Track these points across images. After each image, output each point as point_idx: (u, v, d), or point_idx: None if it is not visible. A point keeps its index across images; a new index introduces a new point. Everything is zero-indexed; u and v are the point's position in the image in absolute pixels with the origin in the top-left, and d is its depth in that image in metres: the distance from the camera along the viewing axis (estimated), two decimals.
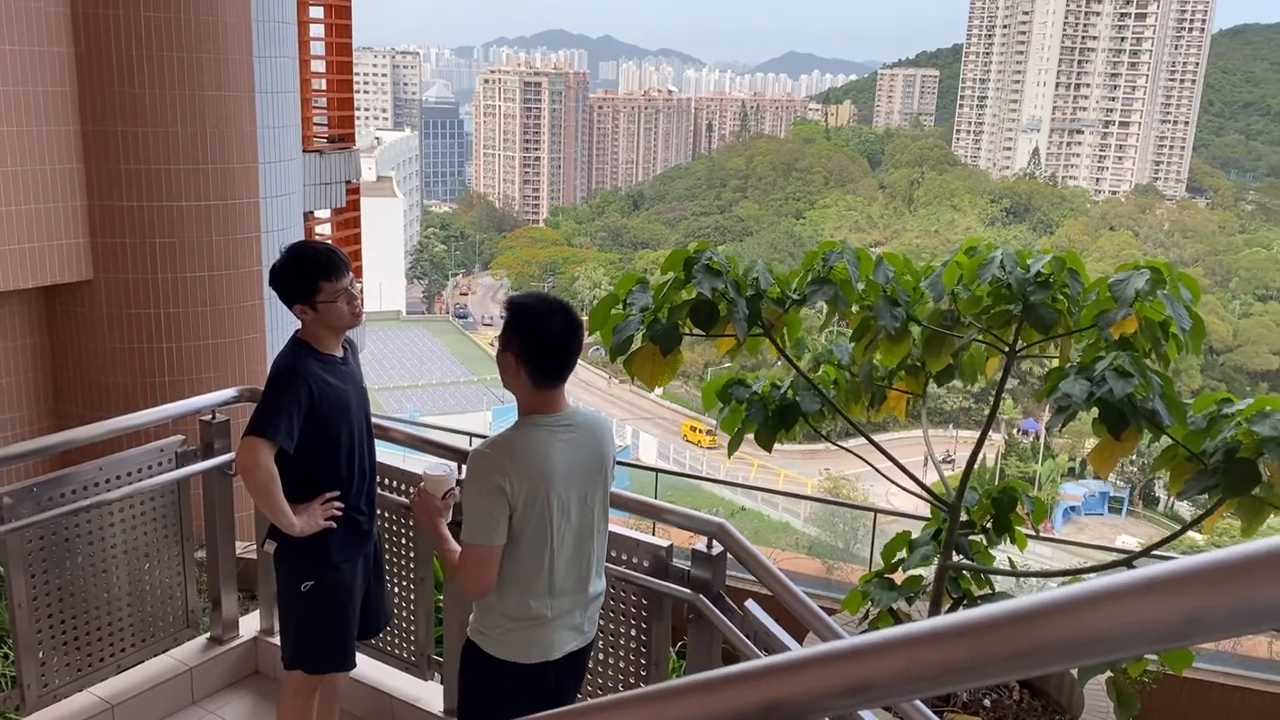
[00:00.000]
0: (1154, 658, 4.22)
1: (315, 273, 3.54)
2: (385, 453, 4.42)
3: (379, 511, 4.21)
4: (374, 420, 3.96)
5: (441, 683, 4.48)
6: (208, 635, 4.90)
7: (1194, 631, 0.70)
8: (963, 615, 0.81)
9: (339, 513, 3.66)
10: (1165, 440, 4.11)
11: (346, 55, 9.52)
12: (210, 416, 4.70)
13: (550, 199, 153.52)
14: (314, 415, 3.53)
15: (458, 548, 3.10)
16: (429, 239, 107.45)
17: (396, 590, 4.56)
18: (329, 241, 6.11)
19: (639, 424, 63.14)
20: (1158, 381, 4.00)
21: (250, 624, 4.99)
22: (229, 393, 4.76)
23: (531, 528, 2.95)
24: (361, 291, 3.76)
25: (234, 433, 4.49)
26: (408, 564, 4.52)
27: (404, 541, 4.53)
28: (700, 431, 60.25)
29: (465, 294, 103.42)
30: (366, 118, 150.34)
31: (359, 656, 4.01)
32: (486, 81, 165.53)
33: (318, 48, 9.33)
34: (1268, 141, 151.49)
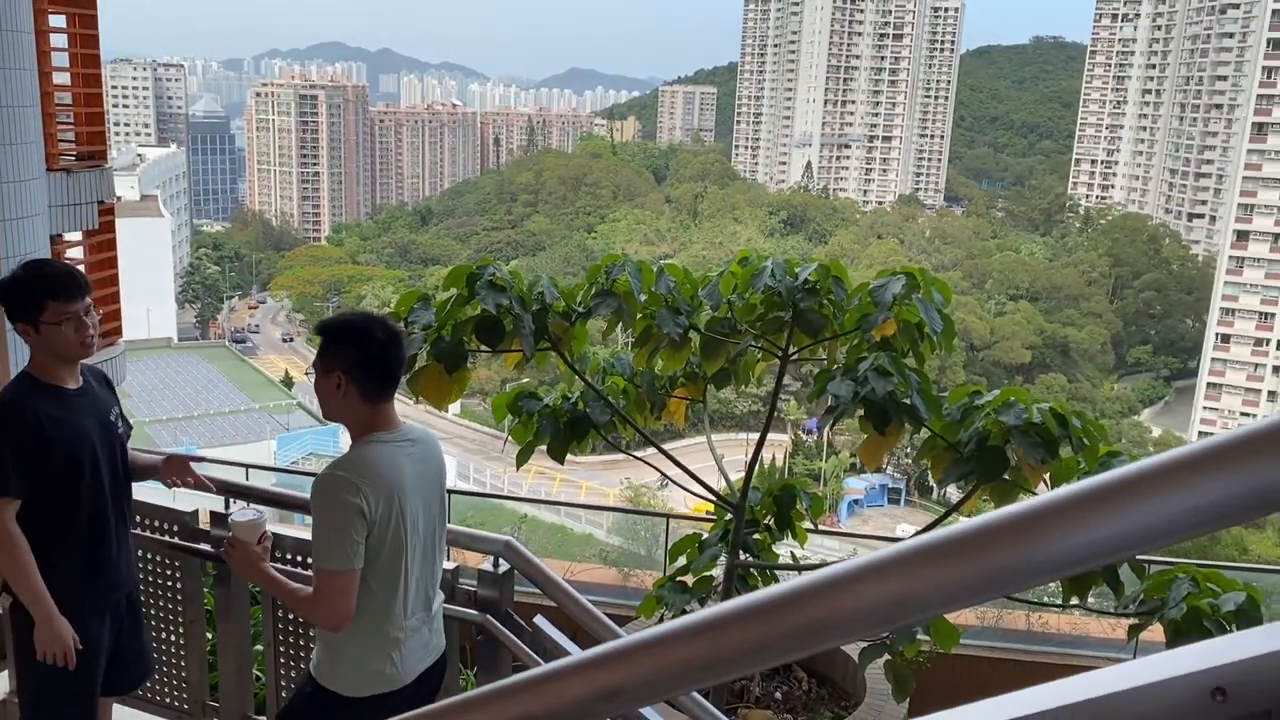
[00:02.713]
0: (926, 637, 4.50)
1: (42, 290, 3.24)
2: (148, 491, 4.13)
3: (140, 553, 3.93)
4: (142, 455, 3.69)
5: None
6: None
7: (903, 613, 0.75)
8: (700, 614, 0.83)
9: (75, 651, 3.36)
10: (926, 432, 4.41)
11: (94, 67, 8.86)
12: None
13: (332, 215, 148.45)
14: (44, 453, 3.24)
15: (297, 586, 2.99)
16: (201, 260, 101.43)
17: (164, 636, 4.26)
18: (76, 266, 5.67)
19: None
20: (915, 379, 4.28)
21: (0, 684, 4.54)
22: None
23: (389, 548, 2.87)
24: (99, 322, 3.46)
25: None
26: (175, 607, 4.23)
27: (169, 584, 4.23)
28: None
29: (256, 326, 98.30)
30: (127, 133, 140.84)
31: (125, 710, 3.71)
32: (259, 95, 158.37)
33: (61, 59, 8.63)
34: (1012, 153, 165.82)
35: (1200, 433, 71.28)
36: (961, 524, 0.77)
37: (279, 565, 3.51)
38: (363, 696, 2.95)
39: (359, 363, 2.88)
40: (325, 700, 2.97)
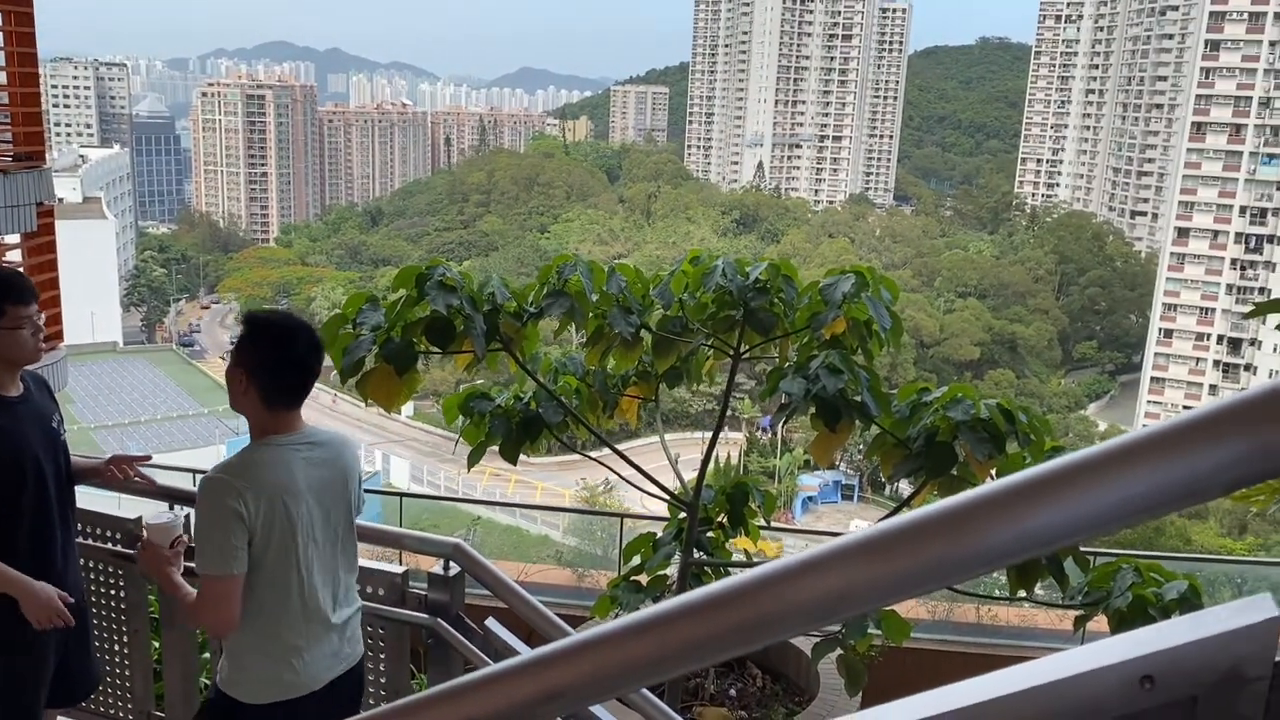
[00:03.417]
0: (878, 631, 4.54)
1: (2, 295, 3.19)
2: (93, 498, 4.05)
3: (84, 562, 3.84)
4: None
5: None
6: None
7: (844, 606, 0.75)
8: (642, 613, 0.83)
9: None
10: (876, 429, 4.46)
11: (32, 66, 8.64)
12: None
13: (281, 216, 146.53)
14: None
15: (190, 590, 2.93)
16: (146, 263, 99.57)
17: (108, 646, 4.17)
18: (18, 269, 5.54)
19: (389, 447, 61.33)
20: (864, 376, 4.31)
21: None
22: None
23: (275, 552, 2.81)
24: (46, 325, 3.41)
25: None
26: (119, 616, 4.14)
27: (113, 593, 4.15)
28: None
29: (197, 327, 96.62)
30: (68, 134, 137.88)
31: None
32: (205, 95, 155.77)
33: None
34: (959, 153, 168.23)
35: (1144, 426, 72.57)
36: (899, 518, 0.77)
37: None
38: (264, 704, 2.89)
39: (266, 367, 2.84)
40: (229, 707, 2.92)
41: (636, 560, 4.88)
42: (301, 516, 2.83)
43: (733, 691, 5.29)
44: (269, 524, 2.78)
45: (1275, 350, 72.46)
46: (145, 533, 3.09)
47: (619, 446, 5.09)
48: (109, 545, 4.07)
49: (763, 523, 5.09)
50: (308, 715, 2.92)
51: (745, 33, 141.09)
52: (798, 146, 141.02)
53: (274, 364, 2.83)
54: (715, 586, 0.80)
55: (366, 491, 3.21)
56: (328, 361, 4.49)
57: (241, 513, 2.74)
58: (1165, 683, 0.69)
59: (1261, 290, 75.66)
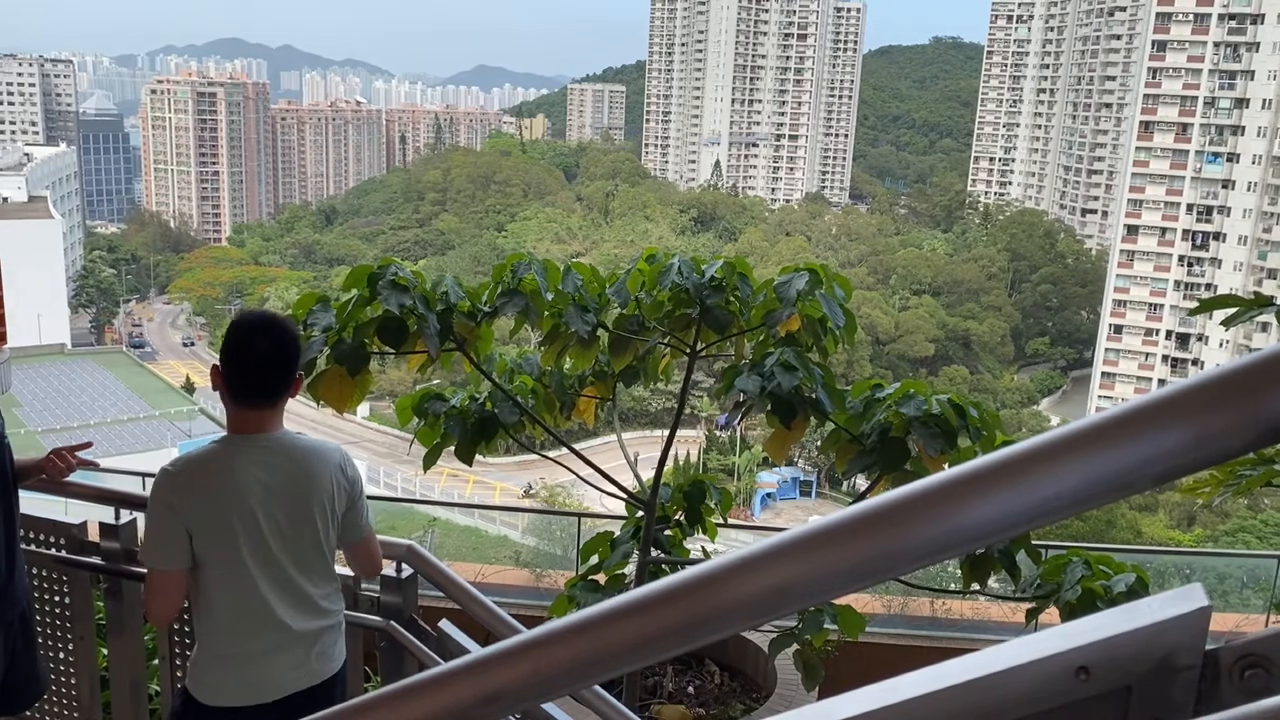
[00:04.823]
0: (834, 626, 4.57)
1: None
2: (35, 503, 3.96)
3: (29, 568, 3.76)
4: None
5: None
6: None
7: (786, 601, 0.75)
8: (583, 612, 0.83)
9: None
10: (831, 425, 4.48)
11: None
12: None
13: (233, 216, 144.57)
14: None
15: None
16: (95, 263, 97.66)
17: (54, 653, 4.08)
18: None
19: (344, 449, 60.76)
20: (819, 373, 4.34)
21: None
22: None
23: (217, 553, 2.79)
24: None
25: None
26: (64, 623, 4.06)
27: (60, 599, 4.06)
28: None
29: (139, 324, 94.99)
30: (12, 132, 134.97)
31: None
32: (154, 92, 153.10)
33: None
34: (914, 152, 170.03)
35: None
36: (839, 512, 0.78)
37: None
38: (212, 705, 2.86)
39: (233, 366, 2.87)
40: (186, 702, 2.92)
41: (595, 559, 4.87)
42: (245, 520, 2.79)
43: (690, 688, 5.30)
44: (208, 525, 2.78)
45: (1221, 345, 74.07)
46: None
47: (577, 446, 5.08)
48: (54, 551, 3.98)
49: (721, 520, 5.10)
50: None
51: (702, 31, 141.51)
52: (754, 145, 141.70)
53: (237, 363, 2.85)
54: (655, 584, 0.80)
55: None
56: None
57: (175, 507, 2.78)
58: (1100, 673, 0.70)
59: (1208, 286, 77.30)
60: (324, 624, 2.98)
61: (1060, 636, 0.72)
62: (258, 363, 2.85)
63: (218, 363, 2.88)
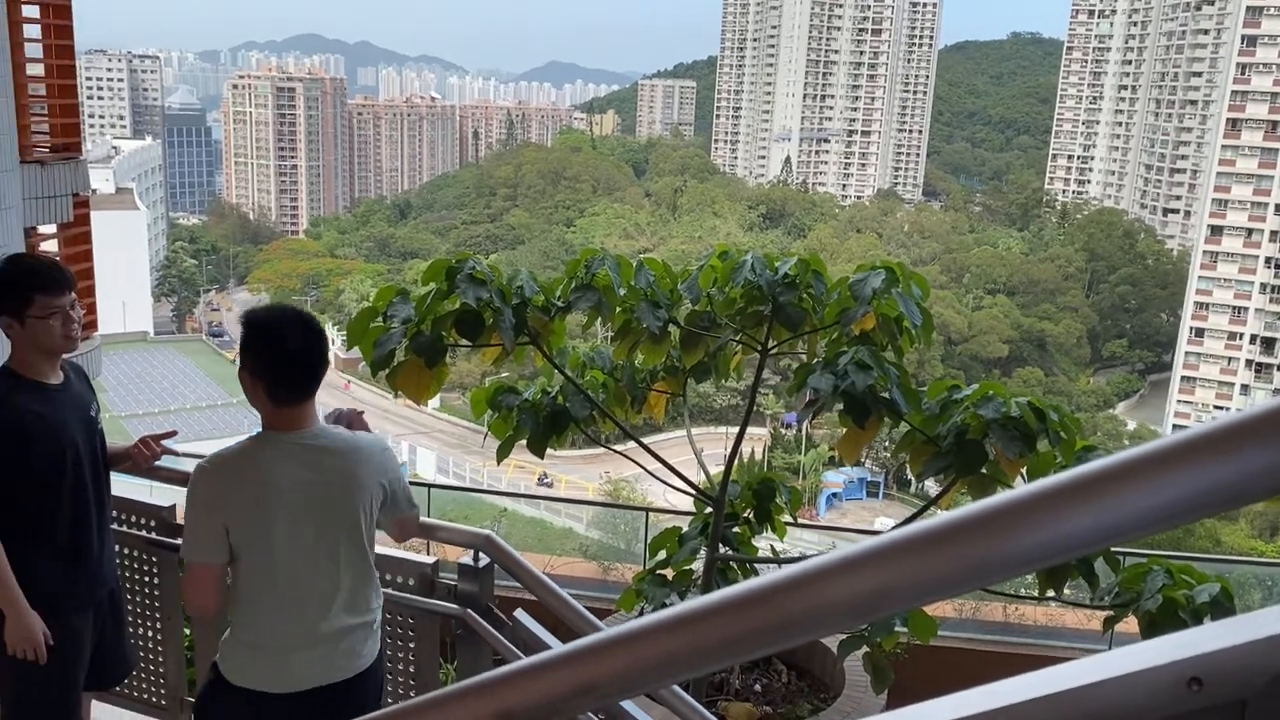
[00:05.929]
0: (904, 629, 4.52)
1: (30, 283, 3.23)
2: (127, 486, 4.11)
3: (119, 548, 3.89)
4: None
5: None
6: None
7: (880, 606, 0.75)
8: (677, 608, 0.83)
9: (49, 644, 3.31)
10: (905, 426, 4.43)
11: (68, 58, 8.74)
12: None
13: (310, 209, 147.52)
14: (22, 448, 3.21)
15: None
16: (177, 253, 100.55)
17: (143, 632, 4.23)
18: (55, 258, 5.62)
19: (415, 439, 61.69)
20: (894, 372, 4.29)
21: None
22: None
23: (252, 547, 2.80)
24: (83, 316, 3.45)
25: None
26: (153, 603, 4.20)
27: (148, 580, 4.20)
28: None
29: (218, 311, 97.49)
30: (101, 125, 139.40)
31: (103, 707, 3.69)
32: (236, 87, 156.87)
33: (34, 50, 8.51)
34: (989, 148, 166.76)
35: (1174, 426, 71.98)
36: (937, 518, 0.77)
37: None
38: (236, 685, 2.88)
39: (268, 365, 2.84)
40: (215, 677, 2.95)
41: (662, 555, 4.88)
42: (281, 516, 2.79)
43: (758, 687, 5.29)
44: (245, 520, 2.78)
45: None
46: None
47: (643, 441, 5.09)
48: (144, 532, 4.12)
49: (789, 519, 5.08)
50: (271, 715, 2.87)
51: (774, 27, 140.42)
52: (825, 141, 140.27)
53: (272, 362, 2.83)
54: (752, 584, 0.80)
55: None
56: (358, 353, 4.54)
57: (211, 500, 2.79)
58: (1214, 685, 0.69)
59: None
60: (355, 622, 2.93)
61: (1170, 646, 0.71)
62: (302, 361, 2.84)
63: (244, 365, 2.84)
